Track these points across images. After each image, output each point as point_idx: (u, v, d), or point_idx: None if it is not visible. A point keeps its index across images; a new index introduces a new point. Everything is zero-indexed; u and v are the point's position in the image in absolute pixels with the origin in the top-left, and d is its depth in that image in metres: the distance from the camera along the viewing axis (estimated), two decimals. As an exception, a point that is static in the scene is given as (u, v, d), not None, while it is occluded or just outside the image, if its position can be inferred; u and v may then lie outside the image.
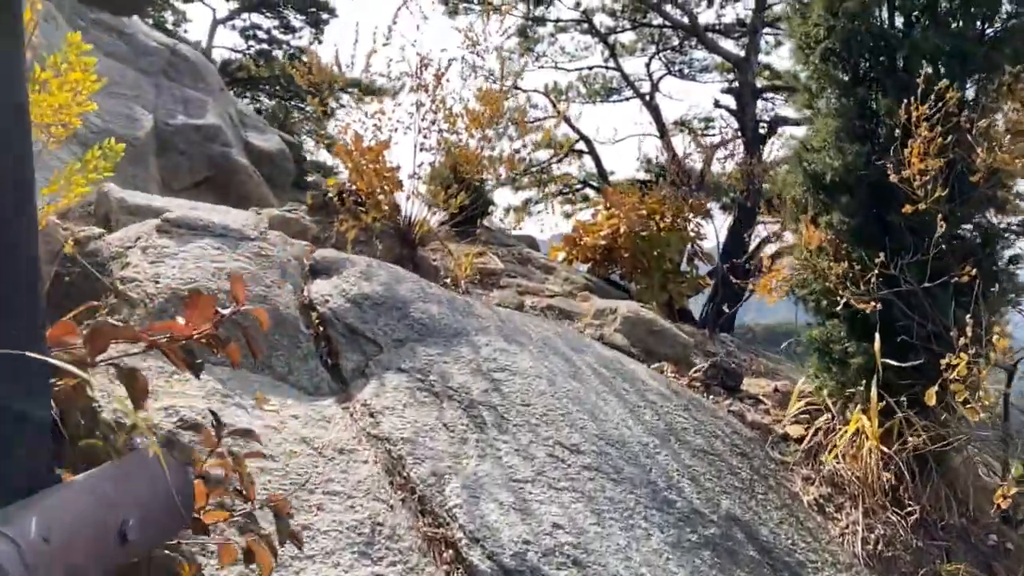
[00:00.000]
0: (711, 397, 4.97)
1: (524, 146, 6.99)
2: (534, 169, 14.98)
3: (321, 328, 4.07)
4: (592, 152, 13.20)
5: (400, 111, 6.33)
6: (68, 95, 3.31)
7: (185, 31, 20.28)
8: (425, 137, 6.25)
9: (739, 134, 12.25)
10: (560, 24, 13.51)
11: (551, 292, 7.32)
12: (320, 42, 19.52)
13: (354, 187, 6.28)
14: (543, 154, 15.46)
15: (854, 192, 4.16)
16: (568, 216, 14.88)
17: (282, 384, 3.62)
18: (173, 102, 8.95)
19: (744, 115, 11.21)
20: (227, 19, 19.02)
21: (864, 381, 4.13)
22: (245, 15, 18.99)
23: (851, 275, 3.88)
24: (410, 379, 3.75)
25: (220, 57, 20.24)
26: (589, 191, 14.47)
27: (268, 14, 19.12)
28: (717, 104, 12.88)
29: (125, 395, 1.26)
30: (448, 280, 6.47)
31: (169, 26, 20.19)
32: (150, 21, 19.80)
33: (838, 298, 4.05)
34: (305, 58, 5.77)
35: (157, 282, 3.85)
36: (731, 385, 5.11)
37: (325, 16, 19.25)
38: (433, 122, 6.06)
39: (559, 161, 13.67)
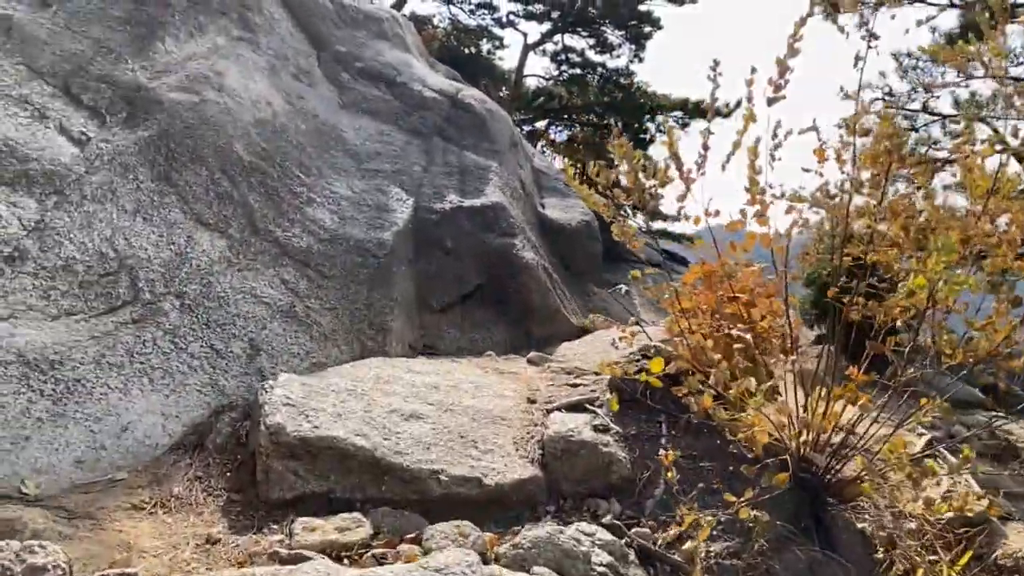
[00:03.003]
0: None
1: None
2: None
3: None
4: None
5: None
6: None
7: (500, 59, 19.02)
8: (836, 276, 2.98)
9: None
10: None
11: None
12: (640, 60, 16.76)
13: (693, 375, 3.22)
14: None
15: None
16: None
17: None
18: (446, 174, 6.64)
19: None
20: (538, 43, 17.17)
21: None
22: (557, 38, 16.94)
23: None
24: None
25: (533, 85, 18.67)
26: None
27: (583, 32, 16.86)
28: None
29: None
30: (895, 587, 3.05)
31: (485, 53, 19.12)
32: (473, 50, 18.85)
33: None
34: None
35: None
36: None
37: (647, 29, 16.43)
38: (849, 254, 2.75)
39: None
